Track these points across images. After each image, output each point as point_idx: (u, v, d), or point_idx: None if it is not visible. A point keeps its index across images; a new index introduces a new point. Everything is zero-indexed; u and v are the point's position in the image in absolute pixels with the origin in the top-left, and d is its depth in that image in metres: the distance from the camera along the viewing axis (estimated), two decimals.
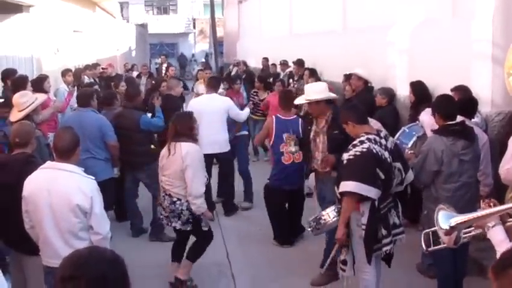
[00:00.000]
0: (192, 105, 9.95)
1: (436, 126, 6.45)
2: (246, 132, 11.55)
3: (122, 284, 2.46)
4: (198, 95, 12.74)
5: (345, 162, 5.93)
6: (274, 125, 8.56)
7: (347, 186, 5.85)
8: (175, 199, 7.03)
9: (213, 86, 10.37)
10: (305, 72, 13.27)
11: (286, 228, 8.67)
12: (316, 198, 7.91)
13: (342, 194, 5.94)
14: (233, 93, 12.72)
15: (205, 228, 7.19)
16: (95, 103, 8.86)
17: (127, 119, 9.00)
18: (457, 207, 6.02)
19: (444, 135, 6.15)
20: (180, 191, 6.98)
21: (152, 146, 9.24)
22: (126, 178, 9.40)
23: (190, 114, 7.38)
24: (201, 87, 13.99)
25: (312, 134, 7.70)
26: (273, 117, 8.73)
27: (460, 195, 6.15)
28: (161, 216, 7.38)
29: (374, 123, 6.78)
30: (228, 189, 10.48)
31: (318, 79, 12.17)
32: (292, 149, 8.24)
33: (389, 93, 9.80)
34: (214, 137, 9.71)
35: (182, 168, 6.85)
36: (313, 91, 7.55)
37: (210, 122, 9.56)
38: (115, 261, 2.51)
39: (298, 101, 8.07)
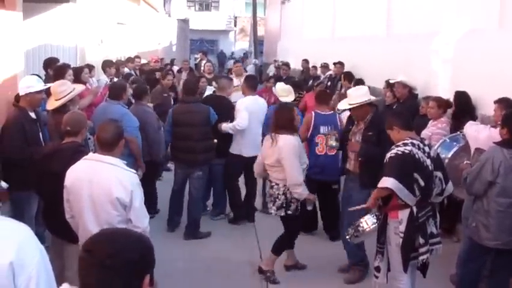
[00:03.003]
0: (248, 106, 9.49)
1: (480, 139, 6.40)
2: None
3: (135, 267, 2.48)
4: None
5: (387, 160, 5.99)
6: (313, 119, 8.65)
7: (386, 182, 5.90)
8: (273, 183, 7.43)
9: (252, 86, 9.98)
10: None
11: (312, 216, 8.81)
12: (341, 197, 8.20)
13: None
14: (264, 91, 12.75)
15: (309, 207, 7.59)
16: (126, 96, 8.71)
17: (197, 113, 8.92)
18: (505, 224, 6.03)
19: (505, 147, 6.04)
20: (277, 175, 7.36)
21: (215, 140, 9.18)
22: (177, 179, 9.33)
23: (290, 108, 7.69)
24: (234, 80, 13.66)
25: (350, 134, 7.75)
26: (312, 112, 8.83)
27: (511, 213, 6.03)
28: (267, 200, 7.89)
29: None
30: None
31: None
32: (333, 143, 8.18)
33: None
34: (258, 139, 9.58)
35: (279, 158, 7.23)
36: (356, 95, 7.55)
37: (256, 123, 9.57)
38: (135, 242, 2.54)
39: (341, 106, 8.07)
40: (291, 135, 7.28)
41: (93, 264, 2.44)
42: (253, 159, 9.53)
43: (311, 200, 7.49)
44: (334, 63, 16.08)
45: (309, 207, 7.58)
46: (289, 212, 7.37)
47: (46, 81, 9.03)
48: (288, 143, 7.21)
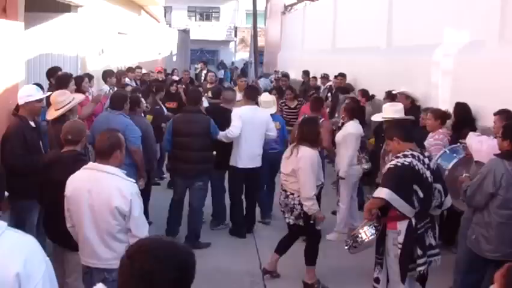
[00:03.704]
0: (242, 115, 9.29)
1: (483, 150, 6.41)
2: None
3: (173, 285, 2.54)
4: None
5: (385, 171, 6.04)
6: None
7: (380, 192, 5.95)
8: (288, 193, 7.45)
9: (252, 97, 9.78)
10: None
11: None
12: None
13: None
14: None
15: (318, 228, 7.55)
16: (127, 107, 8.56)
17: (197, 124, 8.88)
18: (505, 236, 6.03)
19: (507, 159, 6.06)
20: (294, 186, 7.38)
21: (214, 153, 9.12)
22: (177, 189, 9.31)
23: (316, 120, 7.79)
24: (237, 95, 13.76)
25: (382, 151, 7.87)
26: (302, 117, 8.86)
27: None
28: (282, 210, 7.75)
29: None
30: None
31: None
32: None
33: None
34: (255, 151, 9.47)
35: (295, 169, 7.26)
36: (392, 110, 7.70)
37: (254, 135, 9.38)
38: (178, 259, 2.57)
39: (375, 118, 8.15)
40: (311, 149, 7.31)
41: (132, 273, 2.47)
42: (252, 171, 9.48)
43: (320, 218, 7.39)
44: (335, 76, 16.01)
45: (317, 227, 7.51)
46: (311, 222, 7.37)
47: (49, 90, 9.02)
48: (306, 155, 7.22)
